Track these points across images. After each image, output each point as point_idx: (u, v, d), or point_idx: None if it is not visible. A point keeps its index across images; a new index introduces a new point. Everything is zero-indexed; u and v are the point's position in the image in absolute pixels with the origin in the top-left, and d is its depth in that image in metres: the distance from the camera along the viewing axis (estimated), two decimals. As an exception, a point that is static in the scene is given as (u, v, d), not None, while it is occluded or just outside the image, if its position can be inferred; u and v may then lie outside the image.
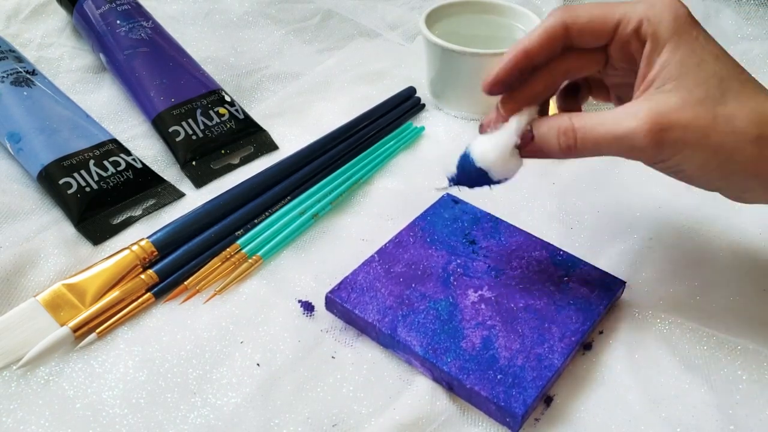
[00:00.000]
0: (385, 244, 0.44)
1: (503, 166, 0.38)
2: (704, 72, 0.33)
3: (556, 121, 0.36)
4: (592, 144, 0.35)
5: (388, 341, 0.39)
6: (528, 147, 0.37)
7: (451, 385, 0.37)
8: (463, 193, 0.49)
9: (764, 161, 0.33)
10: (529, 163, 0.54)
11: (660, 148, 0.33)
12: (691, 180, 0.35)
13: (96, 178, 0.49)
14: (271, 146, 0.56)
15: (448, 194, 0.48)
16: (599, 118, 0.34)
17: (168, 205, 0.50)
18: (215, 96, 0.57)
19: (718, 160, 0.33)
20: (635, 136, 0.33)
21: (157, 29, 0.62)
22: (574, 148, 0.35)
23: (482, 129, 0.40)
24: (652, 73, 0.34)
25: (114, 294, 0.42)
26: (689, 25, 0.34)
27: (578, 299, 0.41)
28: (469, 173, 0.39)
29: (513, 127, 0.37)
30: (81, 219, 0.47)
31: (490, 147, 0.37)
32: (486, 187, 0.51)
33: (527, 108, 0.38)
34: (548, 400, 0.37)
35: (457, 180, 0.40)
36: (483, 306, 0.40)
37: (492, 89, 0.38)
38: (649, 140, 0.33)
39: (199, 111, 0.55)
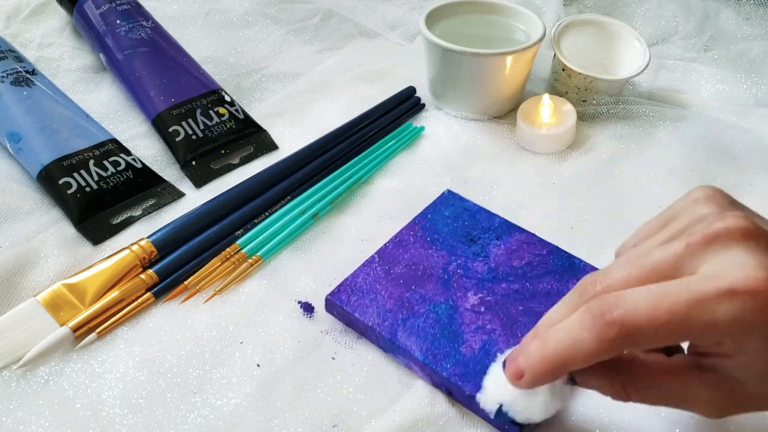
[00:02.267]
0: (385, 244, 0.44)
1: (549, 409, 0.33)
2: None
3: (609, 389, 0.31)
4: (657, 402, 0.31)
5: (388, 345, 0.39)
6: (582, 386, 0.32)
7: (451, 391, 0.37)
8: (463, 190, 0.49)
9: None
10: (529, 162, 0.55)
11: None
12: None
13: (96, 178, 0.49)
14: (271, 146, 0.56)
15: (449, 191, 0.48)
16: (670, 378, 0.30)
17: (168, 205, 0.50)
18: (215, 96, 0.57)
19: None
20: (702, 411, 0.30)
21: (157, 29, 0.62)
22: (626, 397, 0.31)
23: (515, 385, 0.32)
24: (737, 360, 0.28)
25: (114, 294, 0.42)
26: None
27: (578, 299, 0.41)
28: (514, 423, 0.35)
29: (549, 392, 0.32)
30: (81, 219, 0.47)
31: (527, 404, 0.33)
32: (487, 185, 0.52)
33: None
34: (548, 401, 0.37)
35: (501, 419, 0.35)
36: (483, 309, 0.40)
37: (532, 385, 0.31)
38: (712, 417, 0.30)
39: (199, 111, 0.55)
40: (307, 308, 0.42)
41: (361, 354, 0.40)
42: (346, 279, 0.42)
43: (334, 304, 0.41)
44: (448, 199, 0.48)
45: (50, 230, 0.47)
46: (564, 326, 0.29)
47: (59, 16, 0.69)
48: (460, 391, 0.36)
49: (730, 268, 0.27)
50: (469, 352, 0.38)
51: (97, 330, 0.40)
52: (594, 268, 0.43)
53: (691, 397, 0.30)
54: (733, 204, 0.31)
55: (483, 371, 0.36)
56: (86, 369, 0.38)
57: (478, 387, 0.36)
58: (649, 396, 0.30)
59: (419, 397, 0.37)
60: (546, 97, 0.56)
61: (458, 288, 0.41)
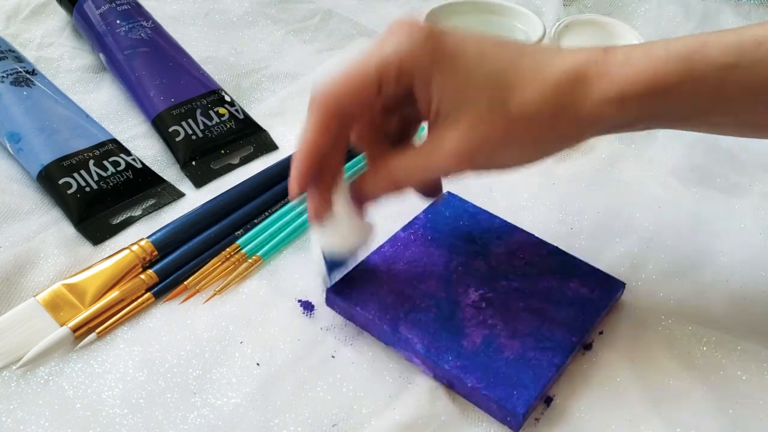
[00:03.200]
0: (386, 243, 0.44)
1: (362, 239, 0.39)
2: (478, 81, 0.33)
3: (376, 176, 0.37)
4: (415, 183, 0.38)
5: (390, 338, 0.39)
6: (361, 205, 0.38)
7: (452, 384, 0.37)
8: (463, 191, 0.49)
9: (561, 120, 0.34)
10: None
11: (476, 167, 0.35)
12: (515, 168, 0.36)
13: (96, 178, 0.49)
14: (271, 146, 0.56)
15: (449, 192, 0.48)
16: (411, 161, 0.36)
17: (168, 205, 0.50)
18: (215, 96, 0.57)
19: (531, 144, 0.35)
20: (450, 169, 0.35)
21: (157, 29, 0.62)
22: (400, 190, 0.37)
23: (318, 220, 0.38)
24: (434, 106, 0.34)
25: (114, 294, 0.42)
26: (439, 44, 0.33)
27: (578, 299, 0.41)
28: (342, 264, 0.41)
29: (342, 203, 0.37)
30: (81, 219, 0.47)
31: (340, 236, 0.38)
32: (486, 186, 0.52)
33: (338, 180, 0.38)
34: (548, 400, 0.37)
35: (334, 278, 0.41)
36: (484, 305, 0.40)
37: (303, 189, 0.37)
38: (462, 168, 0.35)
39: (198, 111, 0.55)
40: (307, 306, 0.42)
41: (361, 350, 0.40)
42: (347, 274, 0.42)
43: (335, 298, 0.41)
44: (449, 200, 0.48)
45: (50, 230, 0.47)
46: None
47: (59, 16, 0.69)
48: (462, 384, 0.36)
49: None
50: (471, 346, 0.38)
51: (97, 330, 0.40)
52: (593, 269, 0.43)
53: (434, 152, 0.35)
54: None
55: (485, 364, 0.37)
56: (86, 369, 0.38)
57: (480, 379, 0.36)
58: (408, 174, 0.36)
59: (420, 393, 0.37)
60: (546, 97, 0.56)
61: (459, 285, 0.41)
